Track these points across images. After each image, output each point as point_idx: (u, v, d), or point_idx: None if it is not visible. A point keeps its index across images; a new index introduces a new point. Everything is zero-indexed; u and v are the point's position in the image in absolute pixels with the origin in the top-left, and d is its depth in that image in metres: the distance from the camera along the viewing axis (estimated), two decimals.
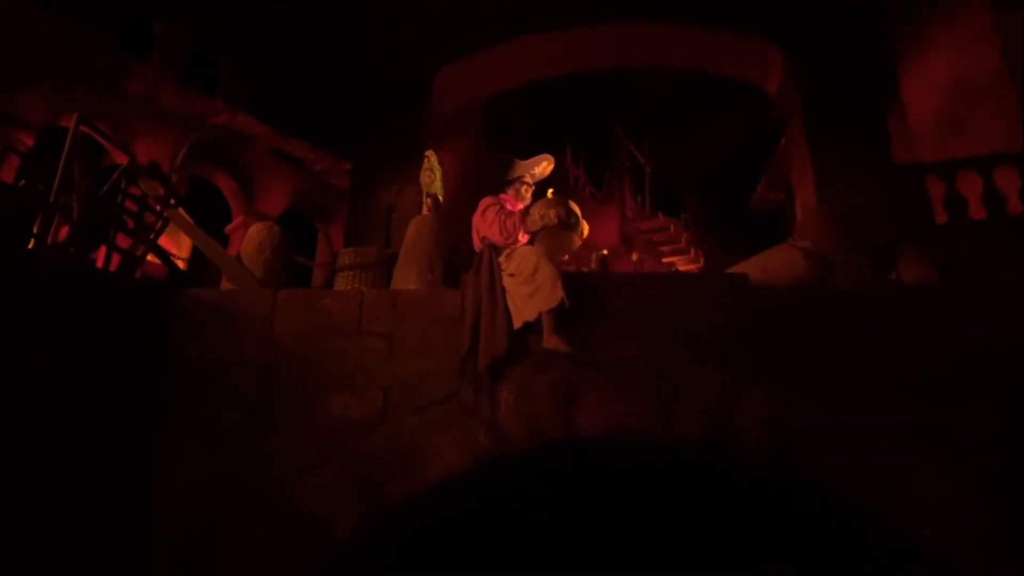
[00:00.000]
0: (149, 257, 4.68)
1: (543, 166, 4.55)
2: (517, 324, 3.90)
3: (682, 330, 3.98)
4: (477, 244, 4.39)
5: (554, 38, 7.73)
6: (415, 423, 3.78)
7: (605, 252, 4.55)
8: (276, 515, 3.65)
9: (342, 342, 4.01)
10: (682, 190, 14.91)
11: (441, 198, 4.83)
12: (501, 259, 4.14)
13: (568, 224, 4.21)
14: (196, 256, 5.93)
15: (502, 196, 4.53)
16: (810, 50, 7.05)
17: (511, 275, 4.04)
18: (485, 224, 4.31)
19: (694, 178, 15.65)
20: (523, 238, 4.27)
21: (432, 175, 4.79)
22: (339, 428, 3.79)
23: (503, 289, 4.03)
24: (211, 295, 4.18)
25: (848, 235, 4.45)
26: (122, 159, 4.93)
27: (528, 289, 3.92)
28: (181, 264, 5.41)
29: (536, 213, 4.25)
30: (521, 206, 4.45)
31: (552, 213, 4.20)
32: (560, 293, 3.82)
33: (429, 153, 4.80)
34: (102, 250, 4.37)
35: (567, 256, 4.40)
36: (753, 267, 4.24)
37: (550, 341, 3.78)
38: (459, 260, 4.49)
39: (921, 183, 6.04)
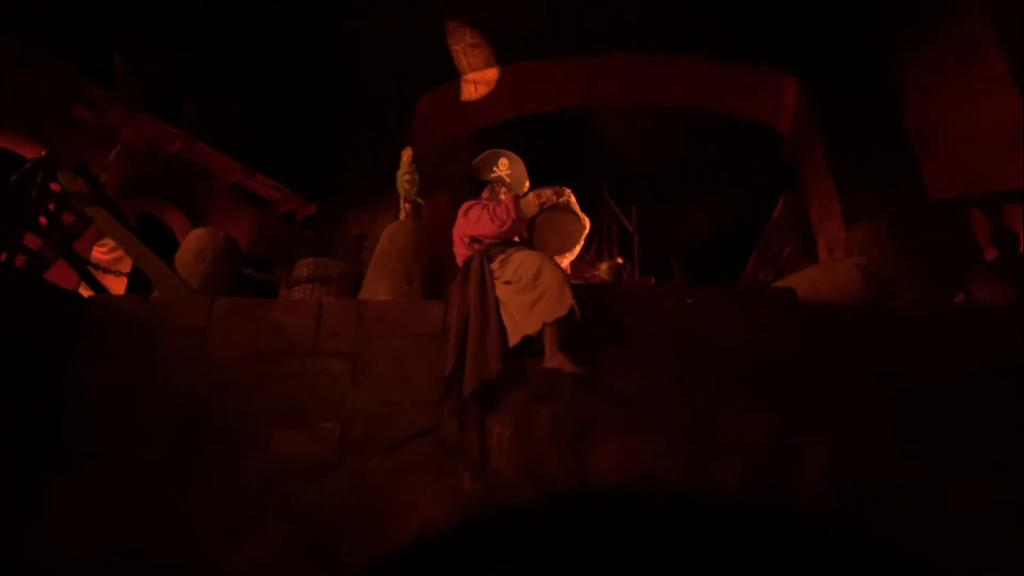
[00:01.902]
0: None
1: (503, 163, 3.99)
2: (514, 340, 3.21)
3: (720, 356, 3.31)
4: (461, 256, 3.72)
5: (545, 68, 7.29)
6: (381, 466, 3.02)
7: (620, 260, 3.90)
8: None
9: (293, 364, 3.28)
10: (669, 262, 14.55)
11: (424, 206, 4.20)
12: (494, 265, 3.48)
13: (568, 207, 3.61)
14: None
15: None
16: (830, 81, 6.68)
17: (507, 283, 3.37)
18: (471, 223, 3.65)
19: (681, 250, 15.33)
20: (519, 225, 3.61)
21: (413, 179, 4.16)
22: (283, 473, 3.02)
23: (496, 300, 3.35)
24: (130, 303, 3.45)
25: (908, 251, 3.86)
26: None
27: (529, 297, 3.25)
28: (120, 279, 4.71)
29: (531, 195, 3.64)
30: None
31: (548, 192, 3.60)
32: (570, 299, 3.16)
33: (408, 153, 4.19)
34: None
35: (568, 263, 3.76)
36: (800, 283, 3.61)
37: (553, 360, 3.09)
38: (442, 273, 3.82)
39: (963, 217, 5.53)
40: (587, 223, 3.83)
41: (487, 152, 4.13)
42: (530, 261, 3.37)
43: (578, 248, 3.88)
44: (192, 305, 3.44)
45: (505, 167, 4.03)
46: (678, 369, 3.26)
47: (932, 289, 3.70)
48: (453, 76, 7.23)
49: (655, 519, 2.99)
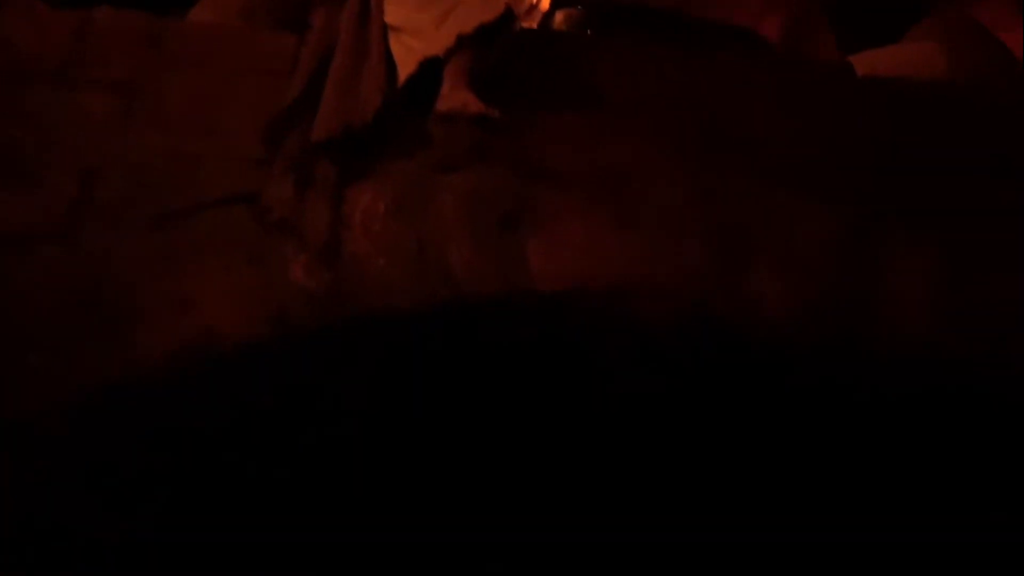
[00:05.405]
0: None
1: None
2: (409, 68, 2.03)
3: (751, 139, 2.19)
4: None
5: None
6: (145, 243, 1.77)
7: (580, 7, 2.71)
8: None
9: (21, 94, 2.02)
10: None
11: None
12: None
13: None
14: None
15: None
16: None
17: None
18: None
19: None
20: None
21: None
22: None
23: (385, 27, 2.14)
24: None
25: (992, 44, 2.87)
26: None
27: (437, 10, 2.07)
28: None
29: None
30: None
31: None
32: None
33: None
34: None
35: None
36: (863, 64, 2.56)
37: (454, 97, 1.95)
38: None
39: None
40: None
41: None
42: None
43: None
44: None
45: None
46: (684, 148, 2.11)
47: None
48: None
49: (642, 352, 1.76)
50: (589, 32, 2.64)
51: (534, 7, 2.65)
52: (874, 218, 2.01)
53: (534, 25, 2.72)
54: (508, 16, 2.00)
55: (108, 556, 1.80)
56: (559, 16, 2.70)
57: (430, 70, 2.02)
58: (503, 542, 2.08)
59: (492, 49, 2.04)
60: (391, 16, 2.17)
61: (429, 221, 1.84)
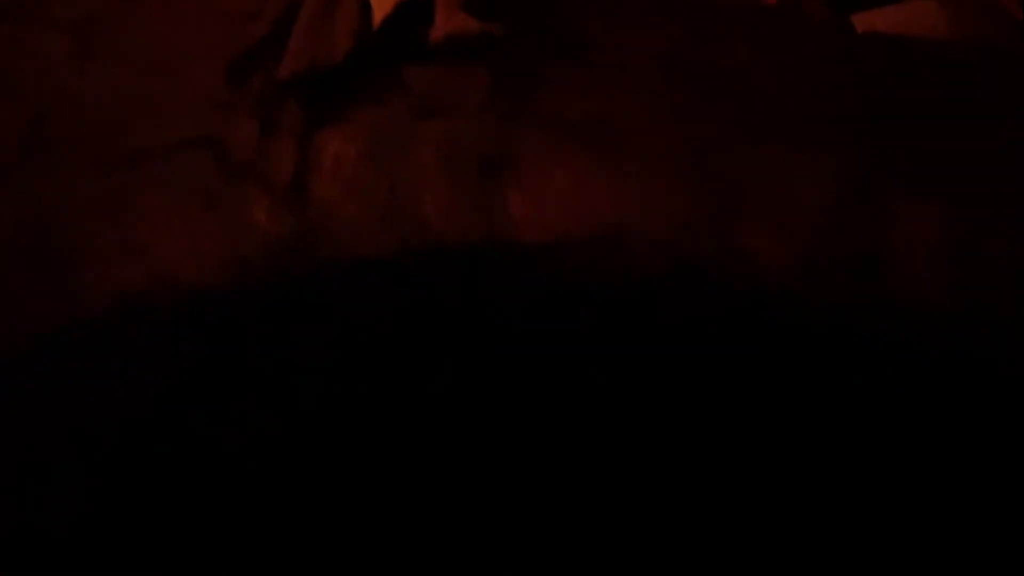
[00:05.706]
0: None
1: None
2: (384, 11, 1.92)
3: (745, 91, 2.07)
4: None
5: None
6: (91, 187, 1.65)
7: None
8: None
9: None
10: None
11: None
12: None
13: None
14: None
15: None
16: None
17: None
18: None
19: None
20: None
21: None
22: None
23: None
24: None
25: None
26: None
27: None
28: None
29: None
30: None
31: None
32: None
33: None
34: None
35: None
36: (861, 23, 2.45)
37: (449, 24, 1.85)
38: None
39: None
40: None
41: None
42: None
43: None
44: None
45: None
46: (677, 97, 2.01)
47: None
48: None
49: (631, 306, 1.66)
50: None
51: None
52: (875, 173, 1.92)
53: None
54: None
55: (55, 536, 1.70)
56: None
57: (407, 13, 1.94)
58: (484, 523, 1.98)
59: None
60: None
61: (404, 167, 1.73)
